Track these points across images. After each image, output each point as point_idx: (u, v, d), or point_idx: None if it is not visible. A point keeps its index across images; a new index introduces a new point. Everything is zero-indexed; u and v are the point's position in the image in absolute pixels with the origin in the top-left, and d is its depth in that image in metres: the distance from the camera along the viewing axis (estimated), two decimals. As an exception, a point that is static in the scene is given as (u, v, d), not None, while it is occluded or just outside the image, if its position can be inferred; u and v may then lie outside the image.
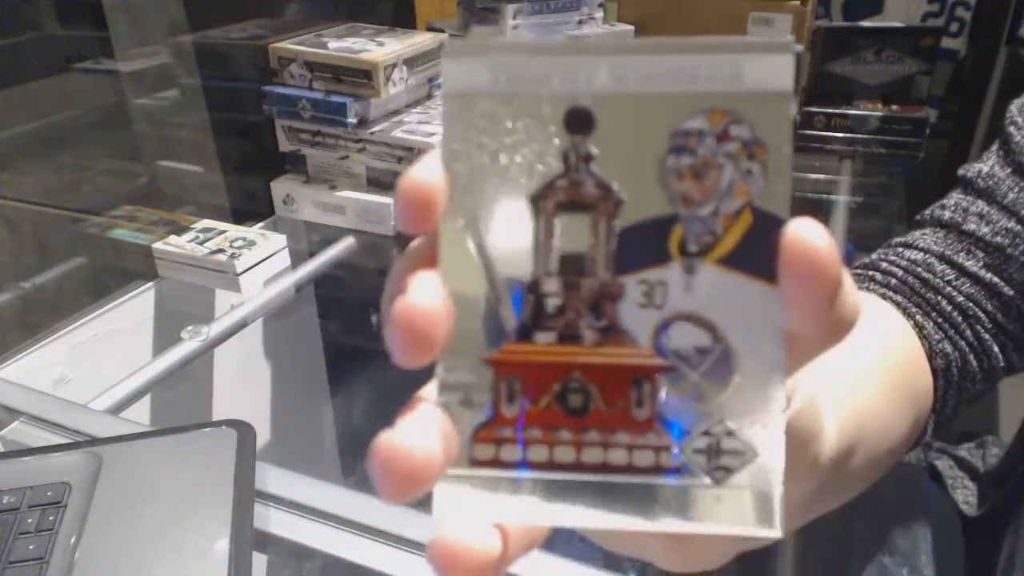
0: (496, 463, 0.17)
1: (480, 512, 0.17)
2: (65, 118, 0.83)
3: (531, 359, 0.17)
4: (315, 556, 0.45)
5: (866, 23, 1.29)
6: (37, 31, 0.79)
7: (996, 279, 0.43)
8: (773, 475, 0.17)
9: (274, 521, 0.47)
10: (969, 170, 0.46)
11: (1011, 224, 0.43)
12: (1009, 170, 0.45)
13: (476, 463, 0.17)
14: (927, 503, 0.58)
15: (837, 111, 1.13)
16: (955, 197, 0.46)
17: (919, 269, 0.44)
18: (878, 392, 0.36)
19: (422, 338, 0.16)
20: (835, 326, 0.17)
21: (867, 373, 0.36)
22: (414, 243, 0.18)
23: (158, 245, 0.80)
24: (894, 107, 1.13)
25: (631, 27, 1.15)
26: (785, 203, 0.17)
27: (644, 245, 0.17)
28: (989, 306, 0.43)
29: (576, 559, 0.43)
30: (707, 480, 0.17)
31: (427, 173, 0.17)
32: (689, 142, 0.16)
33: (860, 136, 1.13)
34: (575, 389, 0.17)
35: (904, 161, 1.10)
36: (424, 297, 0.16)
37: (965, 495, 0.62)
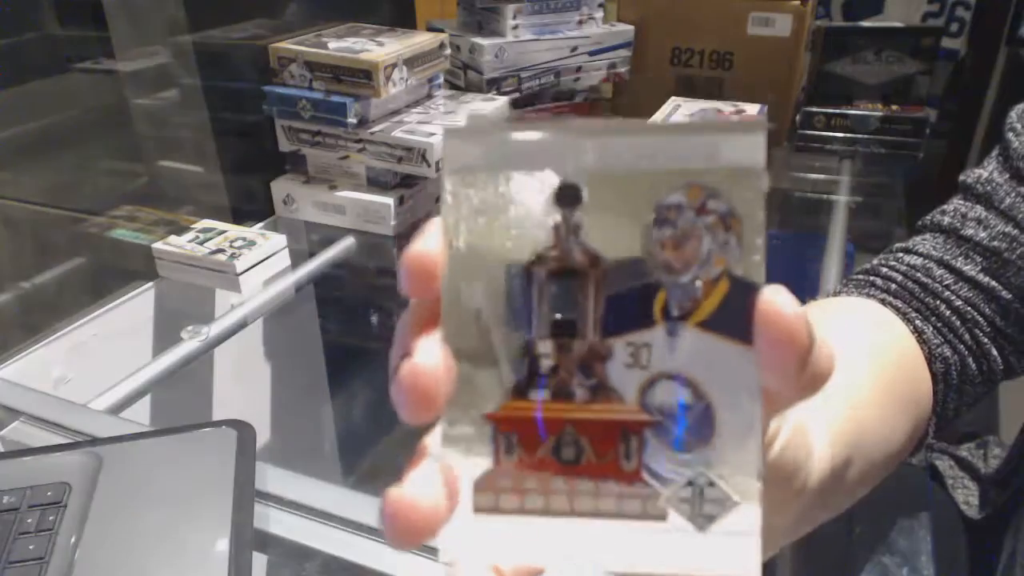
0: (497, 510, 0.19)
1: (482, 556, 0.19)
2: (65, 118, 0.83)
3: (527, 415, 0.19)
4: (315, 556, 0.45)
5: (866, 23, 1.29)
6: (37, 31, 0.79)
7: (994, 283, 0.44)
8: (751, 522, 0.18)
9: (274, 521, 0.47)
10: (969, 176, 0.47)
11: (1008, 228, 0.44)
12: (1007, 175, 0.45)
13: (478, 511, 0.19)
14: (927, 503, 0.58)
15: (837, 111, 1.13)
16: (955, 203, 0.47)
17: (918, 274, 0.45)
18: (875, 401, 0.36)
19: (425, 397, 0.18)
20: (809, 382, 0.18)
21: (864, 383, 0.36)
22: (416, 304, 0.19)
23: (158, 245, 0.80)
24: (894, 107, 1.13)
25: (631, 27, 1.15)
26: (760, 270, 0.18)
27: (630, 310, 0.18)
28: (987, 310, 0.44)
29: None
30: (690, 526, 0.18)
31: (428, 246, 0.18)
32: (670, 215, 0.18)
33: (860, 136, 1.13)
34: (568, 443, 0.19)
35: (904, 161, 1.10)
36: (427, 359, 0.18)
37: (966, 495, 0.62)
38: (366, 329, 0.95)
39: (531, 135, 0.18)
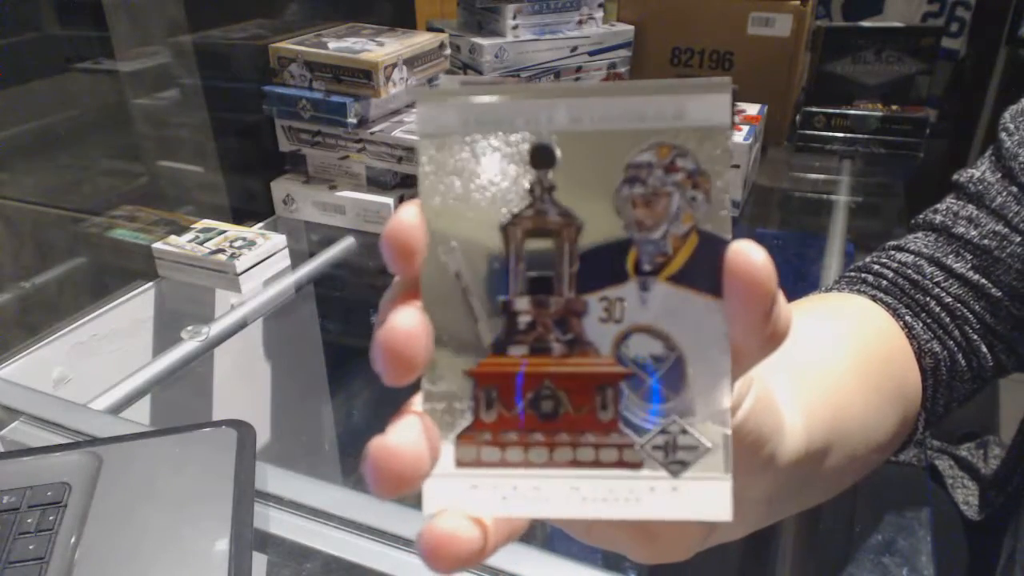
0: (478, 463, 0.19)
1: (464, 507, 0.19)
2: (65, 118, 0.83)
3: (507, 370, 0.19)
4: (315, 556, 0.45)
5: (866, 23, 1.29)
6: (37, 31, 0.79)
7: (984, 280, 0.44)
8: (723, 466, 0.19)
9: (274, 521, 0.47)
10: (962, 175, 0.47)
11: (999, 227, 0.44)
12: (999, 175, 0.45)
13: (460, 464, 0.19)
14: (927, 503, 0.58)
15: (837, 111, 1.13)
16: (947, 201, 0.47)
17: (909, 271, 0.45)
18: (858, 392, 0.36)
19: (402, 357, 0.18)
20: (771, 336, 0.19)
21: (846, 375, 0.36)
22: (399, 279, 0.19)
23: (158, 245, 0.80)
24: (894, 107, 1.13)
25: (631, 27, 1.15)
26: (727, 225, 0.18)
27: (604, 266, 0.19)
28: (977, 307, 0.44)
29: (576, 559, 0.43)
30: (664, 473, 0.19)
31: (406, 222, 0.18)
32: (640, 173, 0.19)
33: (860, 136, 1.13)
34: (547, 396, 0.19)
35: (904, 161, 1.10)
36: (404, 320, 0.18)
37: (965, 495, 0.62)
38: (366, 329, 0.95)
39: (503, 98, 0.19)
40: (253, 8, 0.99)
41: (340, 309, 0.98)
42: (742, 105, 1.02)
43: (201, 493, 0.44)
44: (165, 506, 0.44)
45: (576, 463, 0.19)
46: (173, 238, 0.81)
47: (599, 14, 1.13)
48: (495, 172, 0.19)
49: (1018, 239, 0.43)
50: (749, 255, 0.18)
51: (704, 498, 0.19)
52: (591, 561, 0.43)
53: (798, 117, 1.15)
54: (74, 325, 0.73)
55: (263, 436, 0.91)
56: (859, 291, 0.45)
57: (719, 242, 0.18)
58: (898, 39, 1.14)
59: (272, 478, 0.49)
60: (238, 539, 0.41)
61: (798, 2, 1.06)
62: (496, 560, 0.42)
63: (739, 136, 0.92)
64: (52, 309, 0.78)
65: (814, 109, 1.14)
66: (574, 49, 1.10)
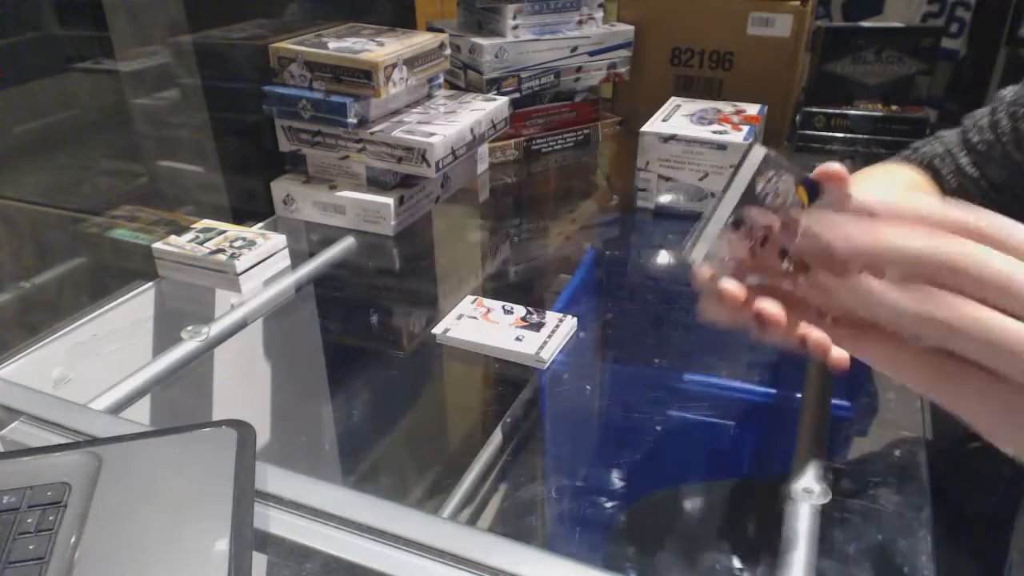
0: None
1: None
2: (65, 118, 0.83)
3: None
4: (315, 556, 0.45)
5: (866, 23, 1.29)
6: (37, 31, 0.79)
7: (977, 173, 0.67)
8: None
9: (274, 521, 0.47)
10: (969, 121, 0.71)
11: (990, 137, 0.66)
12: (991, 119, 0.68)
13: None
14: (927, 503, 0.58)
15: (837, 111, 1.13)
16: (976, 115, 0.69)
17: (935, 160, 0.70)
18: None
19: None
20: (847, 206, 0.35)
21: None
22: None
23: (158, 245, 0.81)
24: (894, 107, 1.13)
25: (631, 27, 1.15)
26: (801, 172, 0.35)
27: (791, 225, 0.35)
28: (973, 191, 0.67)
29: (576, 559, 0.43)
30: None
31: (717, 288, 0.35)
32: (761, 191, 0.35)
33: (860, 136, 1.13)
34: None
35: (904, 161, 1.10)
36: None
37: (967, 494, 0.62)
38: (366, 329, 0.95)
39: (706, 219, 0.36)
40: (253, 8, 0.99)
41: (340, 309, 0.98)
42: (742, 105, 1.02)
43: (201, 493, 0.44)
44: (165, 506, 0.43)
45: None
46: (173, 238, 0.81)
47: (599, 14, 1.13)
48: (729, 243, 0.36)
49: (1000, 149, 0.65)
50: (831, 164, 0.34)
51: None
52: (591, 561, 0.43)
53: (798, 117, 1.15)
54: (74, 325, 0.73)
55: (263, 436, 0.91)
56: (908, 163, 0.70)
57: (807, 178, 0.34)
58: (898, 39, 1.14)
59: (272, 478, 0.49)
60: (238, 539, 0.41)
61: (798, 2, 1.06)
62: (496, 560, 0.42)
63: (739, 136, 0.92)
64: (52, 309, 0.78)
65: (814, 109, 1.14)
66: (574, 49, 1.10)
